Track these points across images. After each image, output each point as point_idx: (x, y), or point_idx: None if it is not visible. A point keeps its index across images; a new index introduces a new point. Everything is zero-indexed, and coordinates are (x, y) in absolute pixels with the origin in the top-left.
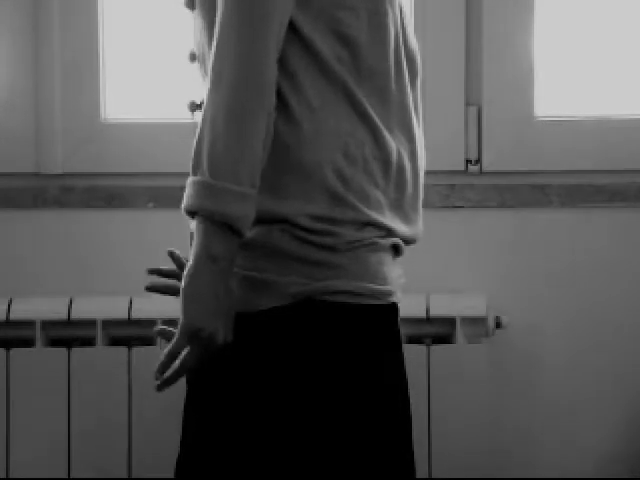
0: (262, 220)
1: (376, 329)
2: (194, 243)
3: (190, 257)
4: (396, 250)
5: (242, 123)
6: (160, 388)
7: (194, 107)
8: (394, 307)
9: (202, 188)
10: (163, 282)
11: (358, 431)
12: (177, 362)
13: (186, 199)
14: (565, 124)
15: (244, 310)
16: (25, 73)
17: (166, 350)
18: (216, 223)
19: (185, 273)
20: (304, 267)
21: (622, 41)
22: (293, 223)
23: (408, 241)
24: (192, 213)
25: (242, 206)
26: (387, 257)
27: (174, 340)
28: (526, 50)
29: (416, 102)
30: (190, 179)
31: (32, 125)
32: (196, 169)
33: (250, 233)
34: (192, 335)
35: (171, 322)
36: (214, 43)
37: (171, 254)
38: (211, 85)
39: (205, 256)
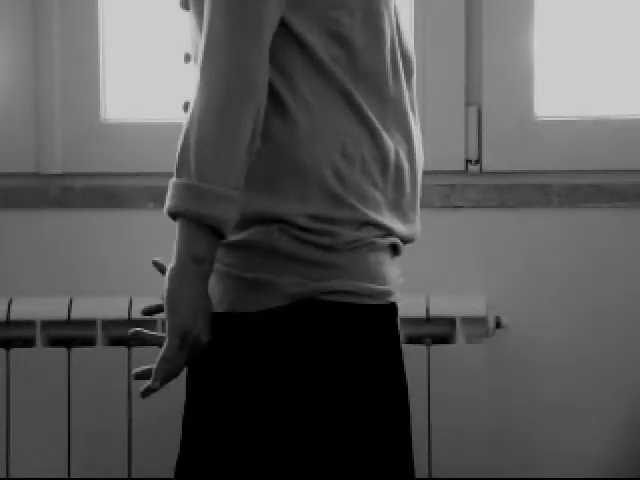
0: (260, 220)
1: (375, 329)
2: (176, 244)
3: (172, 258)
4: (395, 250)
5: (230, 125)
6: (145, 395)
7: (188, 108)
8: (393, 307)
9: (187, 190)
10: (149, 333)
11: (357, 431)
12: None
13: (170, 201)
14: (565, 124)
15: (243, 310)
16: (25, 73)
17: (161, 356)
18: (201, 225)
19: (168, 275)
20: (302, 267)
21: (622, 41)
22: (291, 223)
23: (406, 240)
24: (174, 214)
25: (228, 208)
26: (386, 257)
27: (166, 345)
28: (526, 50)
29: (412, 101)
30: (174, 181)
31: (32, 125)
32: (181, 171)
33: (248, 234)
34: (183, 336)
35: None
36: (201, 43)
37: (155, 264)
38: (199, 85)
39: (189, 258)
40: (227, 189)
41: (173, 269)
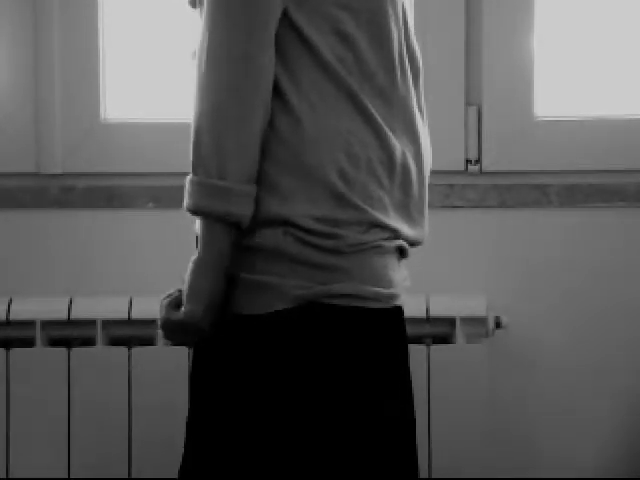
0: (266, 223)
1: (380, 333)
2: (199, 240)
3: (197, 252)
4: (401, 252)
5: (244, 120)
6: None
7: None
8: (399, 310)
9: (209, 189)
10: None
11: (362, 434)
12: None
13: (191, 199)
14: (565, 124)
15: (247, 312)
16: (25, 73)
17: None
18: (224, 221)
19: (192, 267)
20: (307, 270)
21: (622, 41)
22: (297, 225)
23: (412, 243)
24: (196, 212)
25: (248, 204)
26: (392, 260)
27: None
28: (526, 50)
29: (420, 102)
30: (193, 178)
31: (32, 125)
32: (198, 169)
33: (254, 236)
34: (189, 330)
35: None
36: (200, 38)
37: None
38: (204, 82)
39: (214, 253)
40: (246, 185)
41: (197, 262)
